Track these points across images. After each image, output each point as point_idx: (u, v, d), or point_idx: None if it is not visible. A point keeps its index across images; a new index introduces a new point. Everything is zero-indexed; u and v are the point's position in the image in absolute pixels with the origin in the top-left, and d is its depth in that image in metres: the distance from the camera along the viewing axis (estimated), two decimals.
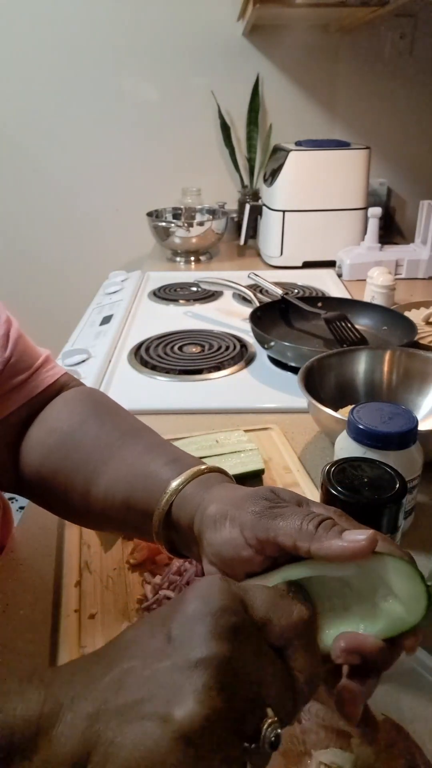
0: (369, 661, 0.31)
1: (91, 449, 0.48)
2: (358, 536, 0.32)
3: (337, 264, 1.50)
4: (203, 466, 0.43)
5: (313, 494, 0.66)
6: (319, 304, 1.10)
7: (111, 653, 0.28)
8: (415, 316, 1.08)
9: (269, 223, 1.54)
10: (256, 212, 1.61)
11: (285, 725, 0.27)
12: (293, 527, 0.33)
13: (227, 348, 1.06)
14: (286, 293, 1.13)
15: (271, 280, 1.18)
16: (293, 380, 0.83)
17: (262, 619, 0.28)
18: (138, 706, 0.24)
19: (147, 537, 0.43)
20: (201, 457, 0.69)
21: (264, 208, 1.58)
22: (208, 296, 1.36)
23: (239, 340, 1.10)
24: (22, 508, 0.69)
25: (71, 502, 0.48)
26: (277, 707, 0.26)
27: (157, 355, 1.04)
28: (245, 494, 0.37)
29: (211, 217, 1.74)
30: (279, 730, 0.25)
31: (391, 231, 1.85)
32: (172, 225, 1.60)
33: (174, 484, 0.41)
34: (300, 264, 1.54)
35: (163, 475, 0.42)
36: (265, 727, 0.25)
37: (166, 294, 1.39)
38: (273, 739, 0.25)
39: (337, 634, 0.32)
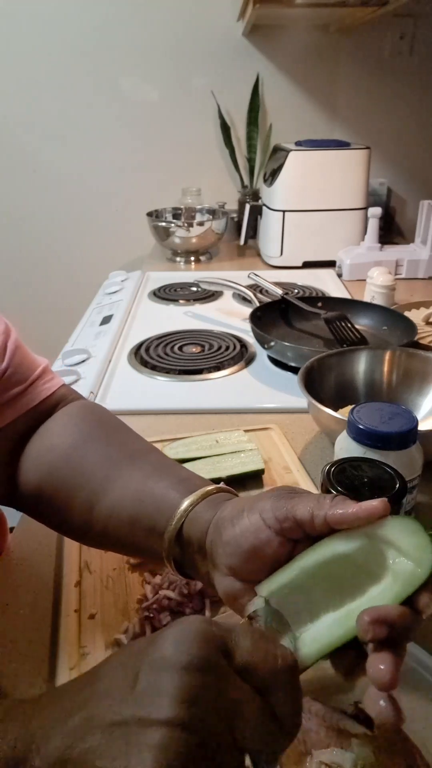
0: (396, 629, 0.31)
1: (97, 467, 0.47)
2: (372, 502, 0.34)
3: (337, 264, 1.50)
4: (212, 487, 0.43)
5: None
6: (319, 304, 1.10)
7: (85, 690, 0.28)
8: (415, 316, 1.08)
9: (269, 223, 1.54)
10: (256, 212, 1.61)
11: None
12: (310, 502, 0.35)
13: (227, 348, 1.06)
14: (286, 293, 1.13)
15: (271, 280, 1.18)
16: (293, 380, 0.83)
17: (244, 664, 0.28)
18: (98, 754, 0.24)
19: (149, 556, 0.44)
20: (201, 457, 0.70)
21: (264, 208, 1.58)
22: (208, 296, 1.36)
23: (239, 340, 1.10)
24: None
25: (71, 519, 0.48)
26: (256, 752, 0.26)
27: (157, 355, 1.04)
28: (261, 492, 0.39)
29: (211, 217, 1.74)
30: None
31: (391, 231, 1.85)
32: (172, 225, 1.60)
33: (184, 504, 0.41)
34: (300, 264, 1.54)
35: (173, 495, 0.42)
36: None
37: (166, 294, 1.39)
38: None
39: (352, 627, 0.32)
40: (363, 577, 0.34)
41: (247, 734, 0.26)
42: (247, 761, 0.26)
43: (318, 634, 0.33)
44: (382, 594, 0.33)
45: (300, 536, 0.36)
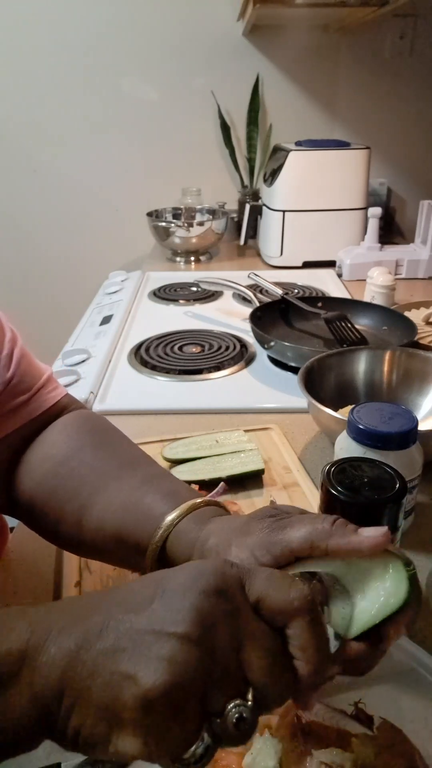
0: (354, 664, 0.32)
1: (85, 478, 0.47)
2: (373, 532, 0.33)
3: (337, 264, 1.50)
4: (199, 500, 0.42)
5: (313, 494, 0.66)
6: (319, 304, 1.10)
7: (104, 597, 0.29)
8: (415, 316, 1.08)
9: (269, 223, 1.54)
10: (256, 212, 1.61)
11: (267, 708, 0.27)
12: (307, 531, 0.34)
13: (227, 348, 1.06)
14: (286, 293, 1.13)
15: (271, 280, 1.18)
16: (293, 380, 0.83)
17: (258, 596, 0.29)
18: (111, 656, 0.26)
19: (138, 571, 0.43)
20: (201, 458, 0.70)
21: (264, 208, 1.58)
22: (208, 296, 1.36)
23: (239, 340, 1.10)
24: None
25: (63, 531, 0.47)
26: (261, 689, 0.27)
27: (157, 355, 1.04)
28: (247, 519, 0.37)
29: (211, 217, 1.74)
30: (245, 713, 0.26)
31: (391, 231, 1.85)
32: (172, 225, 1.60)
33: (168, 518, 0.40)
34: (300, 264, 1.54)
35: (157, 509, 0.41)
36: (230, 706, 0.26)
37: (166, 294, 1.39)
38: (235, 719, 0.26)
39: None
40: (338, 597, 0.34)
41: (254, 665, 0.27)
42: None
43: None
44: (355, 620, 0.33)
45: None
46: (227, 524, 0.38)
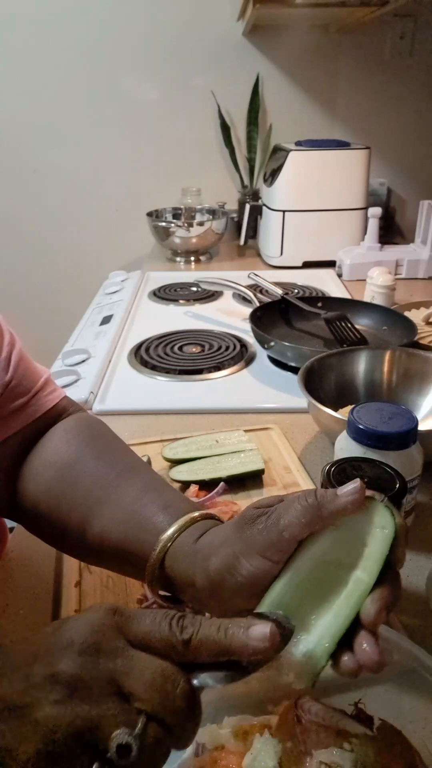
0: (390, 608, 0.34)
1: (88, 488, 0.47)
2: (349, 487, 0.35)
3: (337, 264, 1.50)
4: (196, 513, 0.43)
5: None
6: (319, 304, 1.10)
7: (6, 649, 0.31)
8: (415, 316, 1.08)
9: (269, 223, 1.54)
10: (256, 212, 1.61)
11: (180, 739, 0.29)
12: (301, 519, 0.35)
13: (227, 348, 1.06)
14: (286, 293, 1.13)
15: (271, 280, 1.18)
16: (293, 380, 0.83)
17: (139, 638, 0.30)
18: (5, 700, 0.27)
19: (141, 580, 0.44)
20: (201, 457, 0.70)
21: (264, 208, 1.58)
22: (208, 296, 1.36)
23: (239, 340, 1.10)
24: None
25: (68, 540, 0.48)
26: (152, 710, 0.28)
27: (157, 355, 1.04)
28: (239, 526, 0.38)
29: (211, 217, 1.74)
30: (125, 741, 0.27)
31: (391, 231, 1.85)
32: (172, 225, 1.60)
33: (166, 534, 0.41)
34: (300, 264, 1.54)
35: (156, 524, 0.42)
36: (112, 735, 0.27)
37: (166, 294, 1.39)
38: (116, 747, 0.27)
39: (349, 605, 0.34)
40: (343, 572, 0.35)
41: (138, 691, 0.28)
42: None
43: (317, 638, 0.34)
44: (367, 572, 0.35)
45: None
46: (219, 536, 0.39)
